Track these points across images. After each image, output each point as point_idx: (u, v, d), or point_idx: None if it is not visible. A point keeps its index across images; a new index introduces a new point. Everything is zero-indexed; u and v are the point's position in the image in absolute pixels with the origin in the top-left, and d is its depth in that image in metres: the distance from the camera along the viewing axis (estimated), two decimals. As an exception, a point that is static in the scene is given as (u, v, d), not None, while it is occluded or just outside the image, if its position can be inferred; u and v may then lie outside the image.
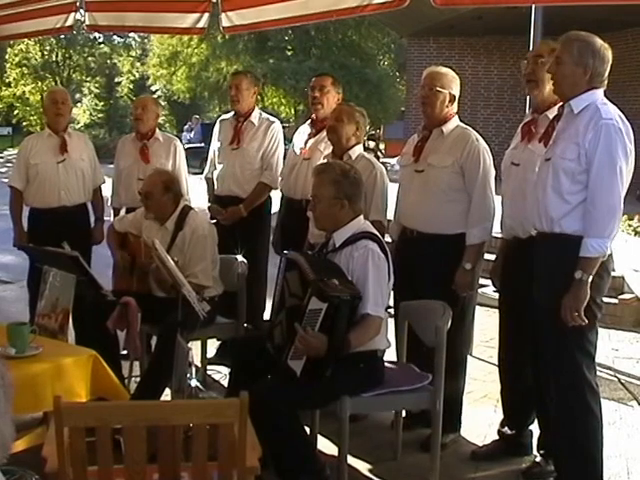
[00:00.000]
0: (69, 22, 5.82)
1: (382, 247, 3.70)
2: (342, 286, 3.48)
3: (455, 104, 4.31)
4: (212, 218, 5.49)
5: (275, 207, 5.79)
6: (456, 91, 4.30)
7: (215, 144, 5.85)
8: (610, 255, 3.44)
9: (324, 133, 5.13)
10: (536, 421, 4.09)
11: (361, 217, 3.82)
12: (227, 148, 5.67)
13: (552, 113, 3.81)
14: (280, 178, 5.60)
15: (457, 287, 4.20)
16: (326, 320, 3.41)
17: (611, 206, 3.31)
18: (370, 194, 4.55)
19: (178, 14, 5.64)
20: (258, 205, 5.62)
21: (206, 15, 5.50)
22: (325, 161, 4.59)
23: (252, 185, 5.58)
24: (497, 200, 4.25)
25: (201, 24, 5.55)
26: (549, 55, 3.77)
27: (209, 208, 5.76)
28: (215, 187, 5.77)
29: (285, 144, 5.80)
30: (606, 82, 3.45)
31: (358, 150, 4.73)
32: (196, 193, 5.96)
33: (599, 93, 3.42)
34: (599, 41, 3.42)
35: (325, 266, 3.68)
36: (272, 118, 5.83)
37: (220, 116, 6.21)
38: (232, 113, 5.80)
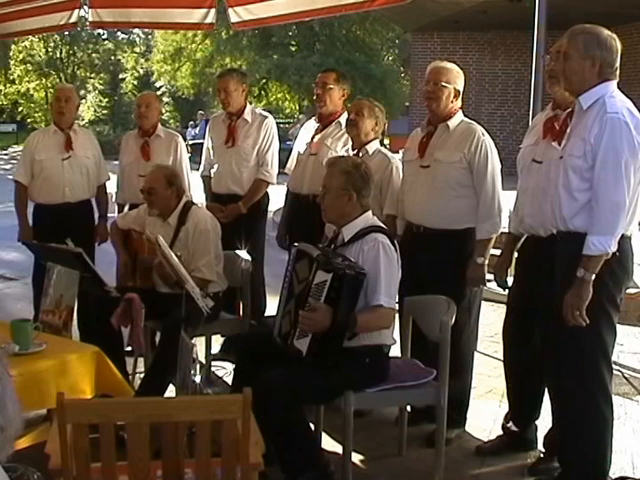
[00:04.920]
0: (73, 19, 5.82)
1: (391, 240, 3.71)
2: (347, 264, 3.53)
3: (459, 99, 4.30)
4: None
5: (272, 204, 5.79)
6: (460, 86, 4.28)
7: (208, 142, 5.84)
8: (624, 251, 3.36)
9: (331, 128, 5.13)
10: (542, 417, 4.09)
11: (369, 213, 3.82)
12: (222, 147, 5.64)
13: None
14: (277, 172, 5.60)
15: (469, 282, 4.19)
16: (331, 292, 3.44)
17: (615, 202, 3.23)
18: (385, 188, 4.58)
19: (184, 10, 5.63)
20: (256, 202, 5.62)
21: (213, 10, 5.49)
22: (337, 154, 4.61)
23: (249, 182, 5.57)
24: (504, 195, 4.24)
25: (209, 19, 5.54)
26: None
27: (207, 206, 5.74)
28: (212, 185, 5.76)
29: (289, 139, 5.78)
30: (618, 73, 3.38)
31: (375, 145, 4.74)
32: (199, 189, 5.95)
33: (611, 85, 3.36)
34: (605, 31, 3.37)
35: (333, 253, 3.71)
36: (265, 113, 5.81)
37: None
38: (224, 111, 5.77)
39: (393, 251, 3.67)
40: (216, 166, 5.70)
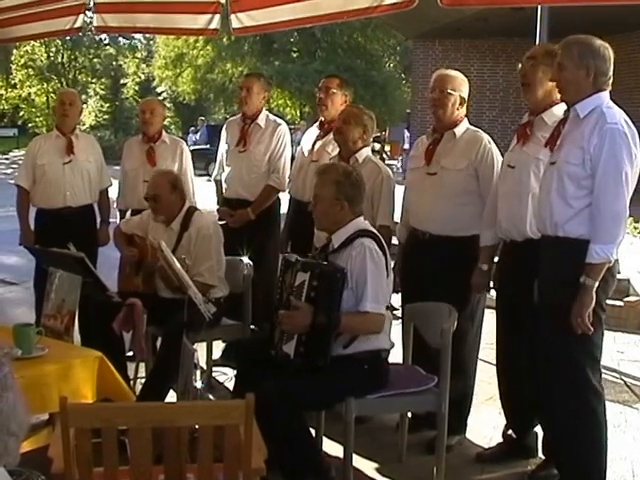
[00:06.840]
0: (78, 24, 5.82)
1: (379, 243, 3.70)
2: (327, 263, 3.61)
3: (464, 107, 4.31)
4: (221, 220, 5.48)
5: (284, 209, 5.79)
6: (465, 94, 4.30)
7: (223, 146, 5.85)
8: (616, 259, 3.43)
9: (331, 135, 5.13)
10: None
11: (361, 218, 3.81)
12: (234, 150, 5.65)
13: (548, 116, 3.82)
14: (288, 180, 5.60)
15: (473, 288, 4.19)
16: (310, 291, 3.51)
17: (616, 212, 3.31)
18: (377, 199, 4.56)
19: (189, 15, 5.62)
20: (267, 207, 5.62)
21: (217, 16, 5.49)
22: (328, 162, 4.59)
23: (259, 188, 5.56)
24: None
25: (213, 25, 5.54)
26: (542, 57, 3.78)
27: (218, 210, 5.76)
28: (223, 189, 5.77)
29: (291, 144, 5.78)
30: (610, 83, 3.43)
31: (365, 153, 4.72)
32: (202, 195, 5.95)
33: (604, 96, 3.41)
34: (598, 41, 3.42)
35: (318, 258, 3.74)
36: (279, 120, 5.80)
37: (227, 118, 6.19)
38: (239, 115, 5.79)
39: (381, 255, 3.66)
40: (228, 170, 5.71)
